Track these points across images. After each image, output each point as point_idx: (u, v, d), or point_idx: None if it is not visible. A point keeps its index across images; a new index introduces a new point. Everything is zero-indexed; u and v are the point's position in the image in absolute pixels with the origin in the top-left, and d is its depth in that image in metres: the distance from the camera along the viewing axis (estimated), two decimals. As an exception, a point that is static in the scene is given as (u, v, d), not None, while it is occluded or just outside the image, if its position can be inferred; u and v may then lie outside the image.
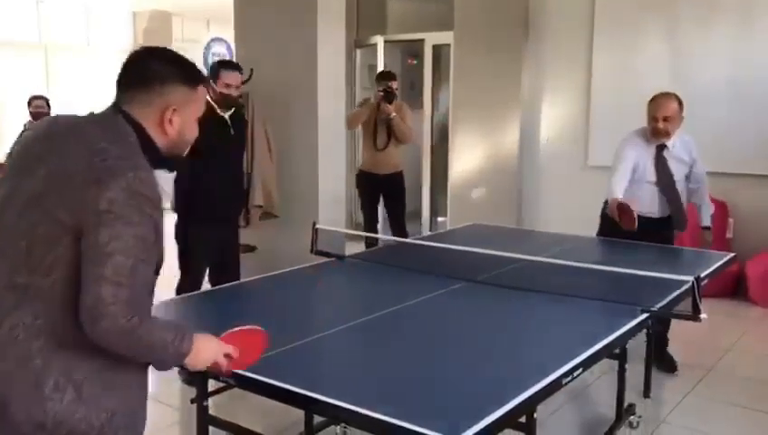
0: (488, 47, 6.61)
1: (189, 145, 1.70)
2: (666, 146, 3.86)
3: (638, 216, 3.57)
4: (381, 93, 5.53)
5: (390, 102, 5.53)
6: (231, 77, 3.68)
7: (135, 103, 1.58)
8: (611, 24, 6.15)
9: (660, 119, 3.76)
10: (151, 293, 1.55)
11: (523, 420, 2.08)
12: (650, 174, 3.88)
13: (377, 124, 5.63)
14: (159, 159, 1.61)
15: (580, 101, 6.39)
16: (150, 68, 1.59)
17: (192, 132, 1.67)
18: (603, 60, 6.18)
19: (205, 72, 3.88)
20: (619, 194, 3.73)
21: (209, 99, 3.73)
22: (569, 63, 6.42)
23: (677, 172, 3.91)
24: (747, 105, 5.51)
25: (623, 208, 3.62)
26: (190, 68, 1.65)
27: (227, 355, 1.68)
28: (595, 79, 6.25)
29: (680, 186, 3.95)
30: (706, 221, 4.07)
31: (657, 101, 3.82)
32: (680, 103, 3.82)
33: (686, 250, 3.99)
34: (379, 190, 5.78)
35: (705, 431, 3.29)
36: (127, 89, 1.59)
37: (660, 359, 3.95)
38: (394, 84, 5.59)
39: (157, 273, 1.56)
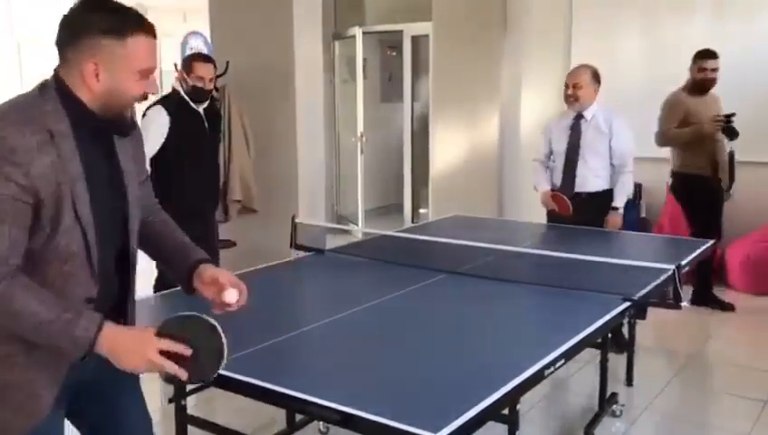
0: (467, 37, 6.58)
1: (129, 104, 1.55)
2: (582, 116, 4.06)
3: (579, 193, 3.98)
4: (720, 126, 4.65)
5: (732, 139, 4.64)
6: (204, 69, 3.62)
7: (63, 63, 1.50)
8: (590, 13, 6.14)
9: (570, 85, 4.04)
10: (20, 255, 1.42)
11: (506, 412, 2.07)
12: (563, 143, 4.10)
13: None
14: (99, 123, 1.52)
15: (560, 91, 6.34)
16: (71, 22, 1.48)
17: (129, 89, 1.51)
18: (582, 50, 6.15)
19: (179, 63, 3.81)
20: (544, 186, 4.17)
21: (183, 93, 3.66)
22: (548, 54, 6.40)
23: (595, 142, 4.02)
24: (723, 92, 5.53)
25: (555, 197, 4.04)
26: (116, 18, 1.48)
27: (168, 353, 1.49)
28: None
29: (602, 161, 4.03)
30: (616, 202, 4.00)
31: (571, 71, 4.14)
32: (595, 76, 4.04)
33: (666, 238, 4.00)
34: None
35: (687, 418, 3.30)
36: (58, 48, 1.50)
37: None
38: (713, 65, 4.74)
39: (84, 236, 1.47)
